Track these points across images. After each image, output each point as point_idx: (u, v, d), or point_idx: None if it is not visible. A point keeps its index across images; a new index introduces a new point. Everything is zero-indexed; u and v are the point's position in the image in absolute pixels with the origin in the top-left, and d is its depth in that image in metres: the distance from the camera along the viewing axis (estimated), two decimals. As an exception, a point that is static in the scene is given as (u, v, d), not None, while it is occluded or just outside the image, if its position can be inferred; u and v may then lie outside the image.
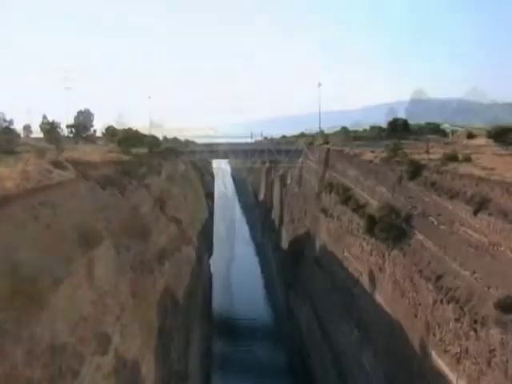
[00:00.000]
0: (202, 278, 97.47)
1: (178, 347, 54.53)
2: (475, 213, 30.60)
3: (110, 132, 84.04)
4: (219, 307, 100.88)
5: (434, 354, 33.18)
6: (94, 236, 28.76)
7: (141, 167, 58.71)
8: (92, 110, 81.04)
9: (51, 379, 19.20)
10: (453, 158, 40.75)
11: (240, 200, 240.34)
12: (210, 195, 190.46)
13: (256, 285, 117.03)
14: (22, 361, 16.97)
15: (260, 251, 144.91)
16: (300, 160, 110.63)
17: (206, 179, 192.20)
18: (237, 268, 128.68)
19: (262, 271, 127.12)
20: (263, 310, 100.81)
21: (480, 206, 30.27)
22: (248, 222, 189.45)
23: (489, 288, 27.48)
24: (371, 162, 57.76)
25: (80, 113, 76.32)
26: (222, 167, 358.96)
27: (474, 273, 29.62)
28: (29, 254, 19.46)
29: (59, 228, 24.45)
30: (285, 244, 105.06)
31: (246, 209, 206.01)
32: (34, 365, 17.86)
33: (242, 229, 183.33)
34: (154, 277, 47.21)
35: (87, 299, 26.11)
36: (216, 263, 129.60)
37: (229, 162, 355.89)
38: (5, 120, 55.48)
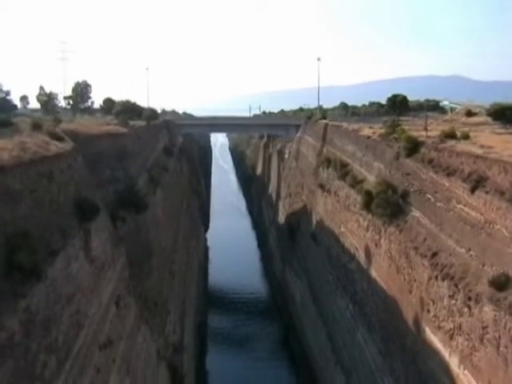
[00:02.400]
0: (198, 252, 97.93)
1: (174, 319, 54.99)
2: (472, 191, 30.56)
3: (108, 104, 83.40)
4: (215, 280, 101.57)
5: (427, 330, 33.51)
6: (90, 208, 28.71)
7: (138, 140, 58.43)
8: (90, 82, 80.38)
9: (48, 350, 19.34)
10: (451, 135, 40.53)
11: (237, 174, 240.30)
12: (207, 169, 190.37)
13: (252, 259, 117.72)
14: (18, 332, 17.04)
15: (257, 225, 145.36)
16: (298, 135, 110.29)
17: (203, 153, 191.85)
18: (233, 242, 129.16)
19: (259, 245, 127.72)
20: (259, 284, 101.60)
21: (477, 183, 30.21)
22: (245, 196, 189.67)
23: (483, 265, 27.60)
24: (369, 137, 57.54)
25: (77, 84, 75.57)
26: (220, 141, 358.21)
27: (470, 250, 29.72)
28: (25, 226, 19.42)
29: (56, 200, 24.38)
30: (281, 218, 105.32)
31: (244, 183, 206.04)
32: (30, 336, 17.95)
33: (239, 202, 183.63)
34: (150, 248, 47.39)
35: (83, 271, 26.17)
36: (213, 237, 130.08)
37: (227, 136, 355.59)
38: (1, 91, 54.92)
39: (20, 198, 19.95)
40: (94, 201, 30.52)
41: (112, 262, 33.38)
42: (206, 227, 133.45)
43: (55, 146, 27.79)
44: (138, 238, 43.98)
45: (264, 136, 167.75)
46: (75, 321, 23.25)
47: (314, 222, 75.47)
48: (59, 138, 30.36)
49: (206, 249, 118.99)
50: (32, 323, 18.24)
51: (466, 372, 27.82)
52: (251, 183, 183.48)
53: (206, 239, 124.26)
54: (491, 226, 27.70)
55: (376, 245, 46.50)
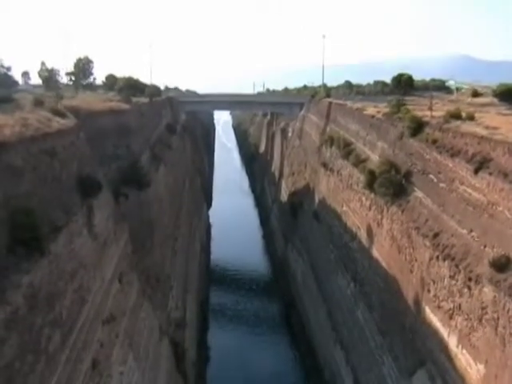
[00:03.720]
0: (200, 229, 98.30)
1: (176, 296, 55.43)
2: (476, 172, 30.53)
3: (110, 80, 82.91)
4: (217, 258, 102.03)
5: (427, 310, 33.76)
6: (92, 185, 28.78)
7: (140, 116, 58.23)
8: (92, 58, 79.71)
9: (52, 325, 19.57)
10: (456, 115, 40.29)
11: (241, 152, 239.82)
12: (210, 147, 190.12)
13: (254, 236, 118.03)
14: (22, 306, 17.22)
15: (259, 203, 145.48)
16: (301, 113, 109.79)
17: (207, 131, 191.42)
18: (236, 219, 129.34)
19: (261, 223, 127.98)
20: (261, 262, 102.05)
21: (481, 165, 30.17)
22: (248, 174, 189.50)
23: (485, 247, 27.70)
24: (373, 116, 57.31)
25: (79, 60, 74.99)
26: (223, 118, 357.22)
27: (471, 231, 29.80)
28: (28, 203, 19.50)
29: (58, 176, 24.43)
30: (284, 197, 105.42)
31: (247, 161, 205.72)
32: (35, 311, 18.14)
33: (242, 180, 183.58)
34: (152, 225, 47.55)
35: (86, 247, 26.34)
36: (215, 214, 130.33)
37: (230, 114, 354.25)
38: (2, 66, 54.47)
39: (22, 174, 20.00)
40: (96, 177, 30.59)
41: (115, 239, 33.58)
42: (209, 205, 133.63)
43: (57, 123, 27.75)
44: (140, 214, 44.12)
45: (267, 114, 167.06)
46: (78, 296, 23.49)
47: (317, 200, 75.53)
48: (61, 115, 30.29)
49: (209, 226, 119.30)
50: (36, 298, 18.42)
51: (464, 351, 28.11)
52: (254, 161, 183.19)
53: (208, 217, 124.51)
54: (494, 207, 27.73)
55: (378, 224, 46.60)
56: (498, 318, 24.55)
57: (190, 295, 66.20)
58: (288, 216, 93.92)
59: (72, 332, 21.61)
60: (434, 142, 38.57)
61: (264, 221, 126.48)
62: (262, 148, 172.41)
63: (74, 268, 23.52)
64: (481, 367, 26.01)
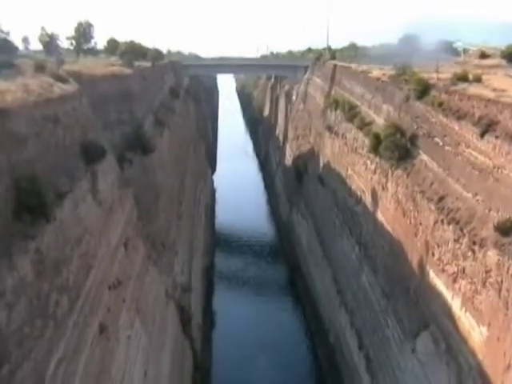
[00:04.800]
0: (205, 194, 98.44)
1: (182, 261, 55.88)
2: (482, 135, 30.21)
3: (112, 45, 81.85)
4: (222, 222, 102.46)
5: (431, 273, 33.93)
6: (96, 150, 28.67)
7: (143, 81, 57.74)
8: (92, 22, 78.42)
9: (59, 290, 19.75)
10: (463, 78, 39.65)
11: (244, 116, 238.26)
12: (214, 111, 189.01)
13: (259, 201, 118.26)
14: (30, 273, 17.35)
15: (264, 167, 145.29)
16: (306, 76, 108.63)
17: (210, 95, 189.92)
18: (240, 184, 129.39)
19: (266, 187, 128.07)
20: (266, 226, 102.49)
21: (487, 128, 29.83)
22: (252, 138, 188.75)
23: (489, 210, 27.62)
24: (379, 79, 56.62)
25: (80, 25, 73.85)
26: (227, 82, 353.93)
27: (476, 195, 29.69)
28: (32, 169, 19.46)
29: (62, 143, 24.33)
30: (289, 161, 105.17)
31: (251, 125, 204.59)
32: (42, 276, 18.28)
33: (246, 145, 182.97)
34: (157, 190, 47.63)
35: (92, 213, 26.41)
36: (220, 179, 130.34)
37: (234, 78, 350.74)
38: (2, 31, 53.59)
39: (26, 141, 19.89)
40: (100, 143, 30.45)
41: (120, 204, 33.64)
42: (213, 169, 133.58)
43: (59, 88, 27.49)
44: (145, 180, 44.14)
45: (271, 77, 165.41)
46: (85, 262, 23.65)
47: (321, 164, 75.33)
48: (63, 80, 29.97)
49: (213, 191, 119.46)
50: (43, 264, 18.54)
51: (467, 314, 28.34)
52: (258, 125, 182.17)
53: (212, 181, 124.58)
54: (499, 171, 27.55)
55: (383, 188, 46.51)
56: (502, 282, 24.66)
57: (195, 260, 66.73)
58: (293, 180, 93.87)
59: (79, 297, 21.84)
60: (440, 104, 38.11)
61: (268, 185, 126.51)
62: (266, 112, 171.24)
63: (80, 234, 23.61)
64: (484, 330, 26.25)
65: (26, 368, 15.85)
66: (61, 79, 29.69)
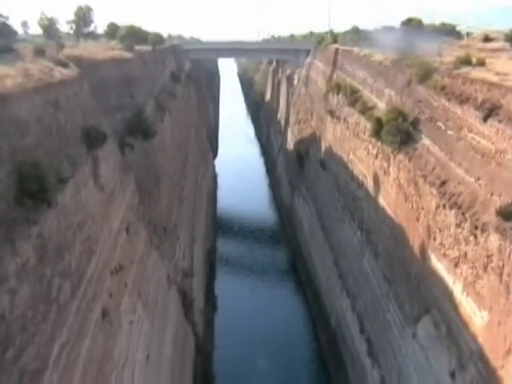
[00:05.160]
0: (206, 178, 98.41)
1: (183, 245, 56.00)
2: (485, 119, 30.05)
3: (112, 29, 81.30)
4: (224, 207, 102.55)
5: (433, 258, 33.95)
6: (97, 135, 28.58)
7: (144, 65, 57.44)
8: (92, 6, 77.73)
9: (62, 275, 19.82)
10: (466, 61, 39.39)
11: (246, 100, 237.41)
12: (215, 95, 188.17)
13: (261, 185, 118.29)
14: (32, 258, 17.38)
15: (265, 152, 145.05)
16: (307, 60, 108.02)
17: (211, 79, 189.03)
18: (242, 168, 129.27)
19: (267, 172, 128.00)
20: (267, 210, 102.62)
21: (490, 112, 29.64)
22: (254, 123, 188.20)
23: (492, 195, 27.56)
24: (381, 63, 56.28)
25: (80, 8, 73.26)
26: (228, 66, 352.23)
27: (479, 179, 29.61)
28: (33, 155, 19.41)
29: (63, 128, 24.25)
30: (290, 145, 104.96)
31: (252, 109, 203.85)
32: (44, 261, 18.32)
33: (248, 129, 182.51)
34: (159, 175, 47.59)
35: (93, 198, 26.40)
36: (221, 164, 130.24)
37: (235, 62, 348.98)
38: (1, 15, 53.12)
39: (27, 126, 19.82)
40: (101, 128, 30.34)
41: (121, 189, 33.62)
42: (215, 154, 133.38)
43: (59, 73, 27.35)
44: (146, 165, 44.09)
45: (273, 61, 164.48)
46: (87, 247, 23.70)
47: (323, 148, 75.14)
48: (63, 64, 29.79)
49: (215, 175, 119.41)
50: (45, 249, 18.58)
51: (468, 299, 28.40)
52: (260, 110, 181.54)
53: (214, 166, 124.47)
54: (502, 155, 27.44)
55: (385, 172, 46.43)
56: (503, 266, 24.68)
57: (197, 244, 66.88)
58: (294, 164, 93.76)
59: (81, 282, 21.92)
60: (443, 88, 37.88)
61: (270, 169, 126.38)
62: (268, 96, 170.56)
63: (82, 219, 23.63)
64: (485, 314, 26.33)
65: (30, 352, 15.96)
66: (61, 64, 29.51)
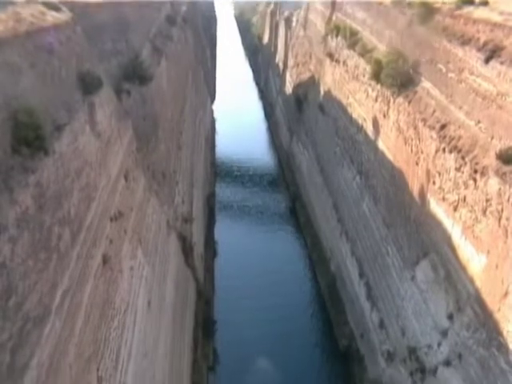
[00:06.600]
0: (205, 123, 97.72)
1: (183, 191, 56.08)
2: (486, 61, 29.53)
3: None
4: (223, 152, 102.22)
5: (432, 202, 34.09)
6: (93, 81, 28.06)
7: (138, 8, 55.95)
8: None
9: (61, 223, 19.84)
10: (469, 1, 38.35)
11: (244, 43, 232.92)
12: (212, 39, 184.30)
13: (259, 130, 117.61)
14: (31, 206, 17.33)
15: (264, 96, 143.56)
16: (306, 1, 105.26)
17: (208, 22, 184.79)
18: (240, 113, 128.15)
19: (266, 116, 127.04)
20: (266, 155, 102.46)
21: (492, 53, 29.11)
22: (252, 66, 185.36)
23: (492, 138, 27.41)
24: (381, 3, 54.87)
25: None
26: (225, 8, 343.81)
27: (479, 123, 29.38)
28: (28, 102, 19.09)
29: (57, 74, 23.77)
30: (289, 89, 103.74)
31: (250, 53, 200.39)
32: (43, 209, 18.29)
33: (246, 73, 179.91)
34: (157, 120, 47.14)
35: (91, 145, 26.17)
36: (219, 108, 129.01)
37: (233, 3, 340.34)
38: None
39: (20, 72, 19.40)
40: (96, 74, 29.76)
41: (118, 136, 33.28)
42: (213, 99, 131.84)
43: (52, 17, 26.58)
44: (143, 110, 43.54)
45: (271, 3, 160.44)
46: (85, 194, 23.62)
47: (322, 92, 74.26)
48: (56, 8, 28.90)
49: (213, 120, 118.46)
50: (44, 197, 18.49)
51: (467, 242, 28.69)
52: (258, 53, 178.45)
53: (212, 111, 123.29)
54: (503, 98, 27.12)
55: (384, 116, 46.03)
56: (502, 210, 24.80)
57: (196, 190, 66.96)
58: (293, 108, 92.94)
59: (81, 229, 21.96)
60: (444, 29, 37.09)
61: (268, 114, 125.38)
62: (266, 39, 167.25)
63: (80, 166, 23.46)
64: (483, 258, 26.64)
65: (33, 300, 16.13)
66: (53, 7, 28.64)
